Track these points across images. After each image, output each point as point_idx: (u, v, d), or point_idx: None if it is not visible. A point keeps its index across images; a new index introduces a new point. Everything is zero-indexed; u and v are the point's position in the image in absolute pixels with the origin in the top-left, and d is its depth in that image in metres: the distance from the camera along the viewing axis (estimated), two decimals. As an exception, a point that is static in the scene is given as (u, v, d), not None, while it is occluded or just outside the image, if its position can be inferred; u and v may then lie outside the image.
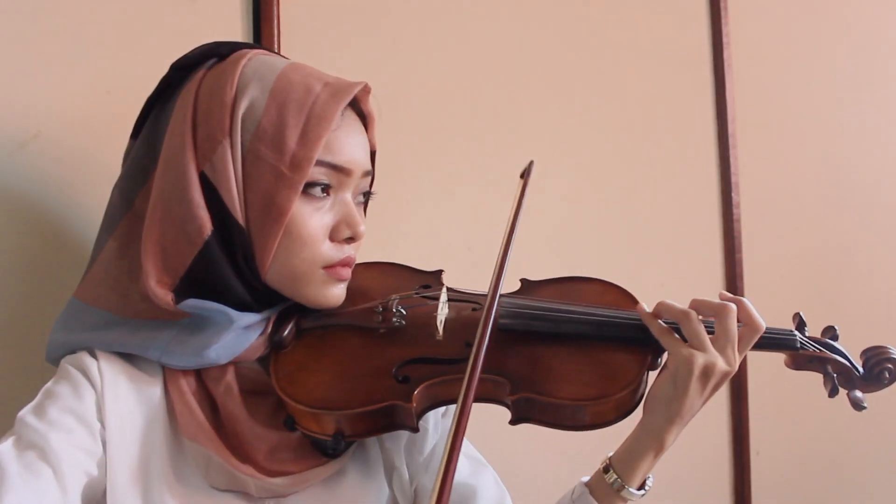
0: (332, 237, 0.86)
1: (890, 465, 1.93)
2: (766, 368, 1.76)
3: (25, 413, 0.79)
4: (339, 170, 0.85)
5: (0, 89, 1.03)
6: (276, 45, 1.22)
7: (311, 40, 1.28)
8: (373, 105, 0.91)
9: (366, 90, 0.89)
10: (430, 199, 1.39)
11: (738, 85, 1.75)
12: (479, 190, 1.41)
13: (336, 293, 0.88)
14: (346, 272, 0.88)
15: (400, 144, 1.37)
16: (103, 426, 0.81)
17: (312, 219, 0.84)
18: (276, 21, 1.22)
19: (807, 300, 1.78)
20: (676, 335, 0.86)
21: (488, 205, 1.41)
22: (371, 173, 0.92)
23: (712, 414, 1.72)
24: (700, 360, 0.83)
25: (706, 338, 0.84)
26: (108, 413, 0.81)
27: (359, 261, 0.96)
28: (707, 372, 0.83)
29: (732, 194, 1.72)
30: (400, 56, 1.37)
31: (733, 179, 1.73)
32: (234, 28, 1.21)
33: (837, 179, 1.91)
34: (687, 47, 1.73)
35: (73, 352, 0.86)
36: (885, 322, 1.88)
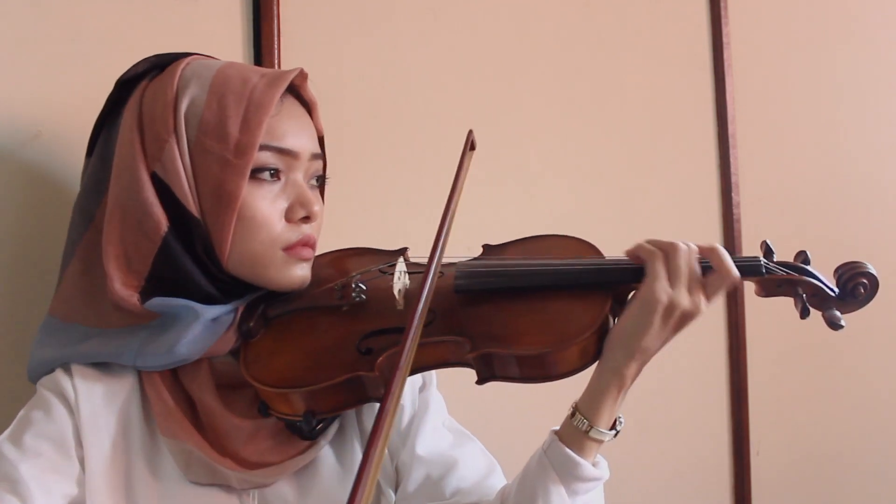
0: (288, 218, 0.88)
1: (890, 464, 1.93)
2: (767, 368, 1.76)
3: (2, 441, 0.81)
4: (286, 153, 0.87)
5: (0, 89, 1.03)
6: (276, 45, 1.22)
7: (311, 40, 1.28)
8: (313, 91, 0.93)
9: (302, 76, 0.91)
10: (429, 199, 1.39)
11: (738, 85, 1.75)
12: (479, 190, 1.41)
13: (299, 273, 0.89)
14: (307, 252, 0.89)
15: (400, 144, 1.37)
16: (80, 443, 0.83)
17: (264, 202, 0.86)
18: (276, 21, 1.22)
19: (807, 300, 1.78)
20: (666, 268, 0.84)
21: (488, 205, 1.41)
22: (321, 157, 0.93)
23: (712, 414, 1.72)
24: (666, 296, 0.82)
25: (685, 276, 0.83)
26: (85, 427, 0.83)
27: (329, 250, 0.96)
28: (672, 309, 0.82)
29: (732, 194, 1.72)
30: (400, 56, 1.37)
31: (733, 179, 1.73)
32: (235, 28, 1.21)
33: (837, 179, 1.91)
34: (687, 47, 1.73)
35: (50, 370, 0.88)
36: (884, 321, 1.88)
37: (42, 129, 1.05)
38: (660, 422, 1.59)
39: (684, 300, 0.82)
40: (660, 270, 0.83)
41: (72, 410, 0.84)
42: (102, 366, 0.87)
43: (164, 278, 0.85)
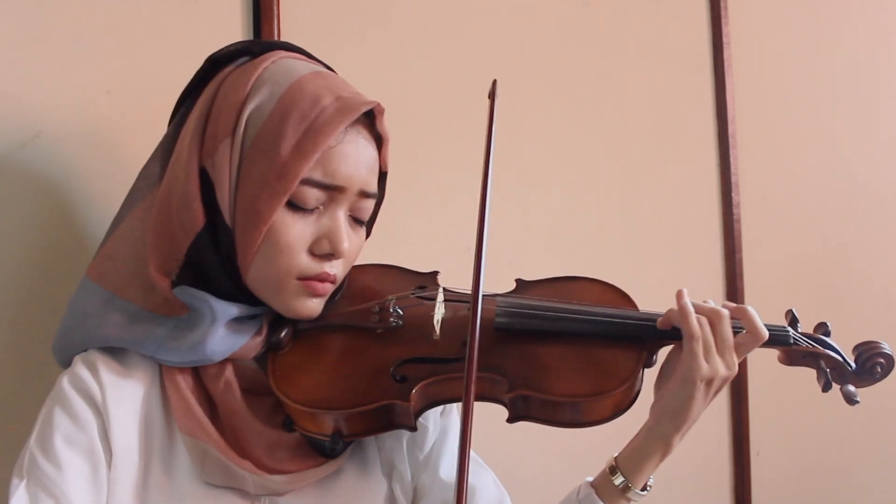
0: (313, 251, 0.85)
1: (890, 465, 1.93)
2: (767, 369, 1.75)
3: (34, 450, 0.81)
4: (328, 188, 0.84)
5: (0, 89, 1.03)
6: (276, 45, 1.22)
7: (311, 40, 1.27)
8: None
9: (379, 109, 0.88)
10: (429, 200, 1.39)
11: (738, 85, 1.75)
12: (478, 190, 1.41)
13: (309, 306, 0.87)
14: (323, 287, 0.87)
15: (400, 145, 1.36)
16: (107, 446, 0.83)
17: (294, 229, 0.84)
18: (276, 21, 1.22)
19: (806, 300, 1.78)
20: (702, 342, 0.85)
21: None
22: (374, 196, 0.90)
23: (712, 414, 1.71)
24: (703, 372, 0.85)
25: (719, 347, 0.86)
26: (113, 427, 0.83)
27: (358, 263, 0.95)
28: (711, 381, 0.86)
29: (732, 194, 1.72)
30: (400, 57, 1.37)
31: (733, 179, 1.73)
32: (235, 28, 1.21)
33: (837, 179, 1.91)
34: (687, 47, 1.73)
35: (71, 359, 0.87)
36: (884, 321, 1.88)
37: (42, 129, 1.05)
38: (660, 422, 1.59)
39: (721, 370, 0.86)
40: (697, 349, 0.85)
41: (98, 411, 0.83)
42: (124, 357, 0.87)
43: (196, 271, 0.85)
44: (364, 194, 0.87)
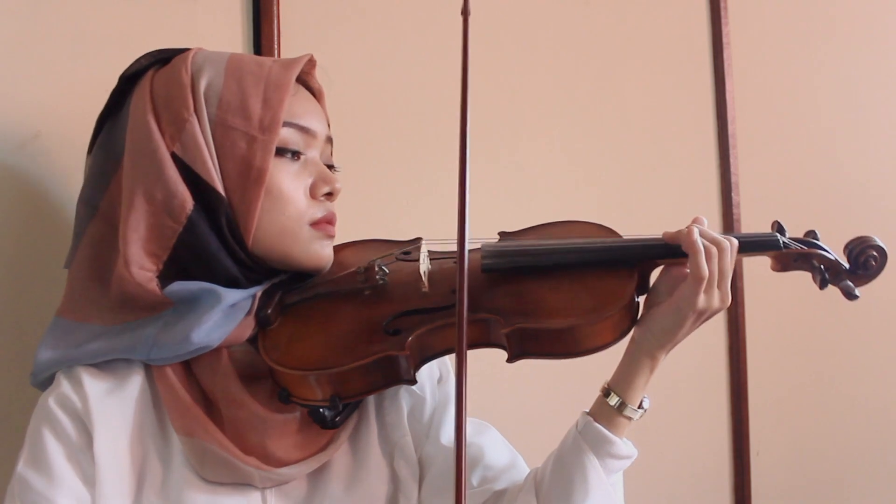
0: (312, 195, 0.89)
1: (890, 465, 1.93)
2: (767, 369, 1.76)
3: (26, 473, 0.80)
4: (305, 131, 0.89)
5: (1, 89, 1.03)
6: (276, 45, 1.22)
7: (311, 40, 1.28)
8: (321, 79, 0.96)
9: (311, 63, 0.93)
10: (429, 197, 1.39)
11: (738, 85, 1.75)
12: (478, 189, 1.41)
13: (325, 251, 0.90)
14: (332, 229, 0.90)
15: (400, 143, 1.37)
16: (92, 458, 0.81)
17: (289, 174, 0.87)
18: (276, 21, 1.22)
19: (806, 300, 1.77)
20: (706, 268, 0.84)
21: (489, 203, 1.41)
22: (332, 141, 0.95)
23: (712, 414, 1.72)
24: (702, 303, 0.84)
25: (719, 279, 0.85)
26: (99, 440, 0.81)
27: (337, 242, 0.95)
28: (706, 310, 0.85)
29: (732, 194, 1.72)
30: (399, 56, 1.37)
31: (733, 179, 1.73)
32: (235, 28, 1.21)
33: (837, 179, 1.91)
34: (687, 47, 1.73)
35: (54, 374, 0.85)
36: (883, 321, 1.88)
37: (42, 129, 1.05)
38: (660, 422, 1.59)
39: (715, 302, 0.86)
40: (700, 287, 0.84)
41: (84, 427, 0.81)
42: (109, 368, 0.85)
43: (183, 263, 0.84)
44: (329, 139, 0.93)
